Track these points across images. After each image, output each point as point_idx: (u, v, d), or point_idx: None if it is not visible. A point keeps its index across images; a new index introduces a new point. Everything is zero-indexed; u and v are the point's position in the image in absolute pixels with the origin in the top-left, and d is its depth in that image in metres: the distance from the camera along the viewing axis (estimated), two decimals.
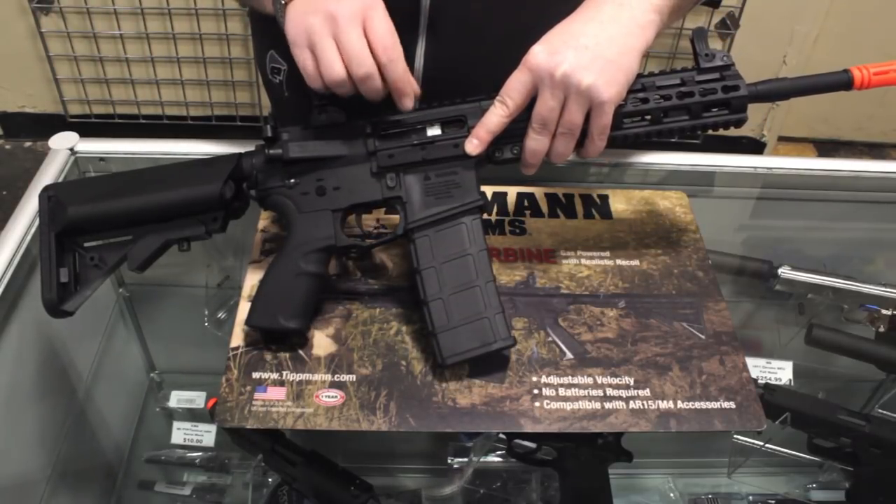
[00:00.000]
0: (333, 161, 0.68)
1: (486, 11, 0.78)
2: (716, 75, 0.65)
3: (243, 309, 0.72)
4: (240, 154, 0.69)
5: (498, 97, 0.64)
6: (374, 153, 0.68)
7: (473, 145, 0.66)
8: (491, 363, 0.68)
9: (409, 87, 0.64)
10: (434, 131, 0.67)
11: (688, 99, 0.65)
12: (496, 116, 0.64)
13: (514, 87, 0.63)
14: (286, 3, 0.64)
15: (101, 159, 0.90)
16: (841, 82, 0.65)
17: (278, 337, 0.69)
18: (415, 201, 0.67)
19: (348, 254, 0.76)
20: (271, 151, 0.67)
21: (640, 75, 0.65)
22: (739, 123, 0.66)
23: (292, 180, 0.69)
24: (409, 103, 0.65)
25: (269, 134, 0.67)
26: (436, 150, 0.67)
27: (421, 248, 0.67)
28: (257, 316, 0.68)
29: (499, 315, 0.65)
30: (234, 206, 0.70)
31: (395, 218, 0.70)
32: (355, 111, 0.68)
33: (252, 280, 0.75)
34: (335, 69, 0.61)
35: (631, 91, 0.64)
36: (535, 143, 0.65)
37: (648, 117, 0.66)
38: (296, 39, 0.63)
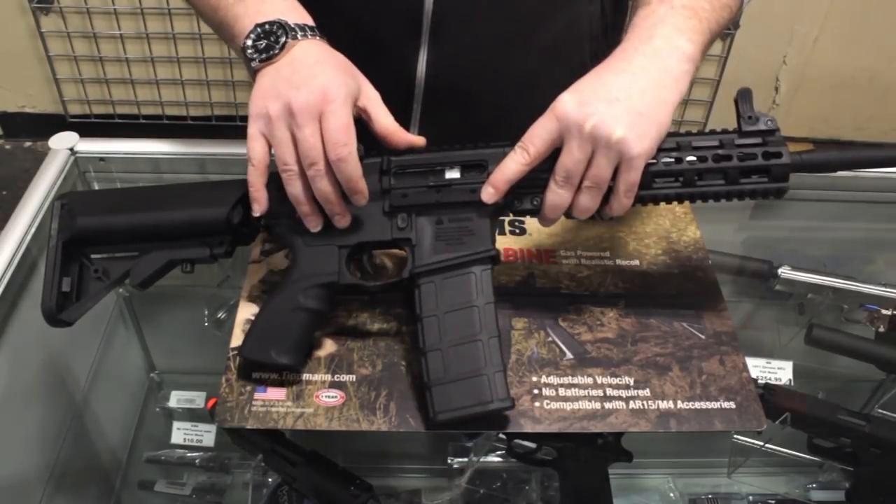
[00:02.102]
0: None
1: (488, 19, 0.77)
2: (758, 140, 0.61)
3: (243, 309, 0.72)
4: None
5: (519, 143, 0.61)
6: (388, 191, 0.65)
7: (489, 194, 0.63)
8: None
9: (359, 186, 0.61)
10: (453, 174, 0.65)
11: (725, 162, 0.61)
12: (515, 164, 0.61)
13: (538, 135, 0.60)
14: (257, 70, 0.63)
15: (101, 159, 0.90)
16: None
17: (270, 370, 0.68)
18: (424, 245, 0.65)
19: (350, 293, 0.72)
20: None
21: (675, 134, 0.62)
22: (780, 193, 0.62)
23: None
24: (361, 201, 0.63)
25: None
26: (452, 194, 0.65)
27: (425, 295, 0.64)
28: (249, 347, 0.66)
29: (499, 374, 0.62)
30: (242, 232, 0.69)
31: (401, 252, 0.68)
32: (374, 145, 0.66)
33: (252, 280, 0.75)
34: (286, 158, 0.61)
35: (664, 149, 0.61)
36: (557, 196, 0.61)
37: (681, 178, 0.62)
38: (254, 120, 0.62)
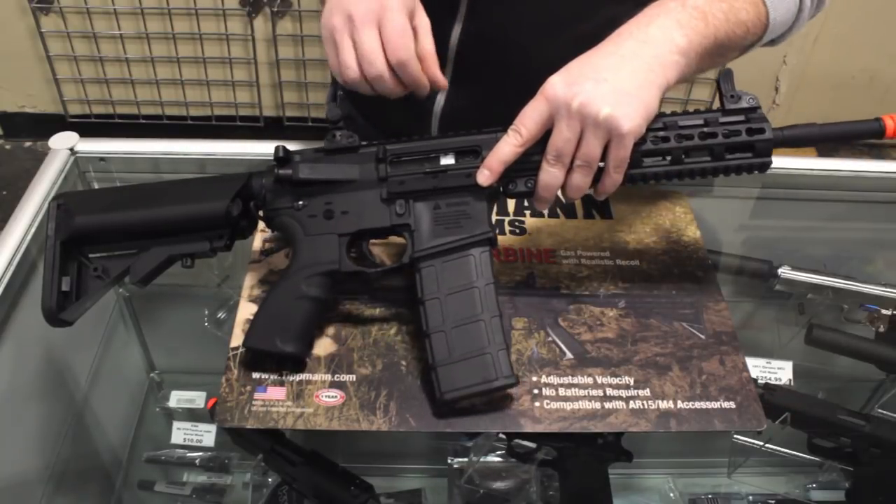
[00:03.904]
0: (343, 185, 0.68)
1: (526, 3, 0.78)
2: (741, 117, 0.64)
3: (243, 309, 0.72)
4: (250, 173, 0.69)
5: (512, 126, 0.63)
6: (385, 179, 0.67)
7: (484, 176, 0.64)
8: None
9: (422, 83, 0.66)
10: (448, 160, 0.66)
11: (710, 140, 0.63)
12: (509, 146, 0.63)
13: (529, 117, 0.62)
14: None
15: (101, 159, 0.90)
16: (872, 130, 0.64)
17: (275, 360, 0.68)
18: (423, 230, 0.66)
19: (352, 280, 0.73)
20: (281, 171, 0.67)
21: (661, 115, 0.64)
22: (764, 168, 0.64)
23: (301, 202, 0.68)
24: (423, 93, 0.67)
25: (281, 154, 0.67)
26: (448, 179, 0.66)
27: (426, 279, 0.65)
28: (254, 338, 0.67)
29: (502, 352, 0.63)
30: (242, 226, 0.69)
31: (401, 240, 0.69)
32: (379, 124, 0.68)
33: (252, 280, 0.75)
34: (351, 69, 0.65)
35: (652, 129, 0.63)
36: (549, 175, 0.63)
37: (669, 157, 0.64)
38: (324, 36, 0.67)
